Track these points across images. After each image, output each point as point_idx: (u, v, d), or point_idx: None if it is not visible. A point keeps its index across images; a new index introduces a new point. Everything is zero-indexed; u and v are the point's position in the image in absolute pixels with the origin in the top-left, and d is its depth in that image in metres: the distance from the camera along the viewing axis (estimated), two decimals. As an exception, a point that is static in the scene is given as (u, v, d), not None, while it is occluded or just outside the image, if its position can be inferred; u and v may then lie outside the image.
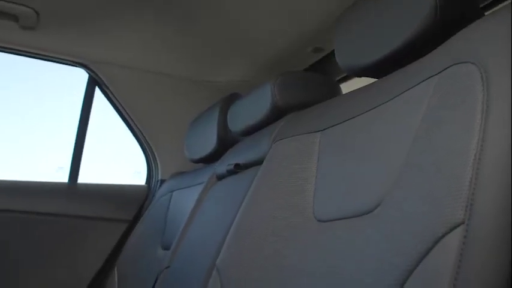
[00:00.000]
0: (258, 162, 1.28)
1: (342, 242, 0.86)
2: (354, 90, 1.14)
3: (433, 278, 0.62)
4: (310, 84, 1.39)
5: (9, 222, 2.02)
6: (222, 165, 1.53)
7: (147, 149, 2.29)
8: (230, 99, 1.71)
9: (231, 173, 1.46)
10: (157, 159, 2.29)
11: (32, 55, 2.04)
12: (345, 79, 1.91)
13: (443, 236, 0.64)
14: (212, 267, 1.16)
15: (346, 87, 1.86)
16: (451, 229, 0.63)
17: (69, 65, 2.13)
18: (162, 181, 2.23)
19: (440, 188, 0.68)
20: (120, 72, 2.16)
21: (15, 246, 2.00)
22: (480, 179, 0.63)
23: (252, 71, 2.15)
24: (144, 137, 2.26)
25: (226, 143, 1.68)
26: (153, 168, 2.31)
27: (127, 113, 2.21)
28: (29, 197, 2.09)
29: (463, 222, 0.62)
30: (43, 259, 2.03)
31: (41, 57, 2.06)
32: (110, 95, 2.18)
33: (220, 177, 1.53)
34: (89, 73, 2.16)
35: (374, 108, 0.95)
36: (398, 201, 0.76)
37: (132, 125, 2.24)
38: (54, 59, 2.09)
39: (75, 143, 2.20)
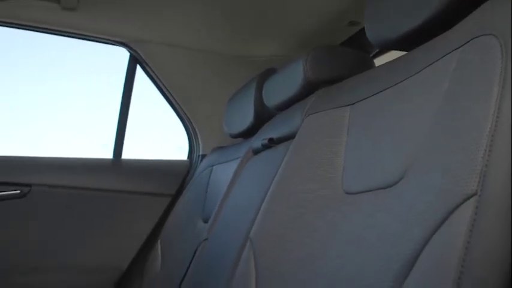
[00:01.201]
0: (291, 137, 1.31)
1: (367, 213, 0.88)
2: (382, 64, 1.14)
3: (446, 248, 0.64)
4: (343, 59, 1.40)
5: (58, 197, 2.10)
6: (258, 140, 1.55)
7: (188, 125, 2.34)
8: (266, 75, 1.73)
9: (265, 147, 1.49)
10: (198, 134, 2.33)
11: (74, 35, 2.10)
12: (380, 53, 1.90)
13: (457, 207, 0.65)
14: (246, 239, 1.20)
15: (382, 62, 1.85)
16: (464, 200, 0.64)
17: (111, 44, 2.18)
18: (203, 156, 2.27)
19: (456, 160, 0.69)
20: (160, 49, 2.20)
21: (63, 221, 2.09)
22: (494, 151, 0.64)
23: (290, 46, 2.16)
24: (184, 113, 2.30)
25: (262, 117, 1.70)
26: (194, 143, 2.36)
27: (168, 90, 2.26)
28: (76, 173, 2.17)
29: (475, 193, 0.63)
30: (89, 233, 2.12)
31: (82, 37, 2.11)
32: (151, 72, 2.22)
33: (256, 152, 1.56)
34: (130, 52, 2.21)
35: (400, 82, 0.96)
36: (419, 173, 0.77)
37: (173, 101, 2.29)
38: (95, 39, 2.14)
39: (119, 121, 2.26)
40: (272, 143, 1.45)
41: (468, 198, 0.64)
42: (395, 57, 1.11)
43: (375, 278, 0.76)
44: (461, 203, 0.65)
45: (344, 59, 1.40)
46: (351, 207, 0.94)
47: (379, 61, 1.73)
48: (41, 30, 2.05)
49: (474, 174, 0.65)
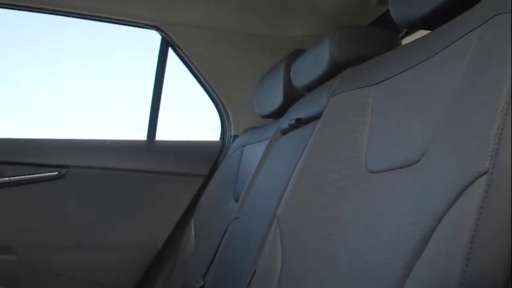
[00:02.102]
0: (318, 117, 1.32)
1: (388, 191, 0.89)
2: (406, 44, 1.15)
3: (458, 225, 0.65)
4: (369, 39, 1.40)
5: (94, 178, 2.16)
6: (285, 121, 1.57)
7: (220, 106, 2.37)
8: (294, 55, 1.74)
9: (293, 127, 1.50)
10: (230, 115, 2.36)
11: (106, 20, 2.14)
12: (409, 33, 1.88)
13: (469, 185, 0.66)
14: (273, 218, 1.22)
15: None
16: (476, 178, 0.65)
17: (143, 27, 2.21)
18: (235, 136, 2.30)
19: (470, 139, 0.70)
20: (191, 32, 2.23)
21: (99, 201, 2.15)
22: (506, 129, 0.65)
23: (319, 26, 2.16)
24: (216, 94, 2.33)
25: (291, 98, 1.72)
26: (226, 124, 2.39)
27: (199, 71, 2.29)
28: (111, 155, 2.22)
29: (487, 172, 0.65)
30: (125, 213, 2.18)
31: (115, 21, 2.16)
32: (183, 55, 2.26)
33: (284, 132, 1.58)
34: (161, 35, 2.24)
35: (421, 62, 0.97)
36: (436, 152, 0.79)
37: (205, 83, 2.31)
38: (127, 23, 2.18)
39: (152, 103, 2.30)
40: (299, 123, 1.47)
41: (480, 176, 0.65)
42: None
43: (392, 254, 0.78)
44: (473, 181, 0.66)
45: (370, 39, 1.40)
46: (373, 186, 0.95)
47: (408, 41, 1.72)
48: (73, 15, 2.09)
49: (486, 152, 0.66)
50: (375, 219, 0.89)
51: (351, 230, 0.94)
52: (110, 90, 2.80)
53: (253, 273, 1.22)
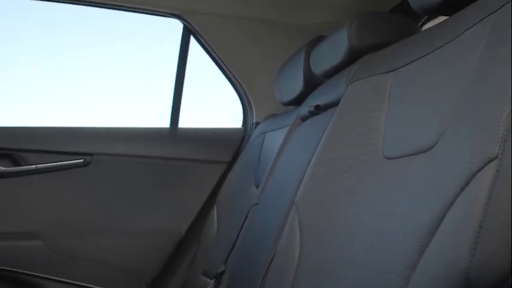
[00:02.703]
0: (336, 103, 1.33)
1: (403, 177, 0.90)
2: (424, 30, 1.15)
3: (467, 212, 0.66)
4: (388, 25, 1.40)
5: (118, 165, 2.20)
6: (305, 107, 1.58)
7: (242, 93, 2.38)
8: (314, 42, 1.74)
9: (312, 114, 1.51)
10: (252, 102, 2.37)
11: (129, 9, 2.17)
12: (429, 20, 1.87)
13: (479, 170, 0.67)
14: (292, 205, 1.24)
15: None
16: (485, 164, 0.66)
17: (165, 16, 2.23)
18: (257, 124, 2.31)
19: (482, 124, 0.71)
20: (212, 20, 2.24)
21: (123, 188, 2.19)
22: None
23: (340, 12, 2.15)
24: (238, 82, 2.34)
25: (311, 85, 1.72)
26: (248, 111, 2.40)
27: (221, 59, 2.30)
28: (134, 142, 2.26)
29: (496, 157, 0.65)
30: (149, 200, 2.21)
31: (137, 10, 2.18)
32: (204, 43, 2.27)
33: (304, 119, 1.59)
34: (183, 23, 2.26)
35: (438, 48, 0.97)
36: (450, 138, 0.79)
37: (227, 71, 2.33)
38: (150, 12, 2.21)
39: (174, 91, 2.32)
40: (318, 109, 1.48)
41: (489, 162, 0.66)
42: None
43: (404, 240, 0.79)
44: (483, 167, 0.66)
45: (389, 26, 1.40)
46: (389, 172, 0.96)
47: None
48: (96, 4, 2.12)
49: (496, 137, 0.66)
50: (389, 205, 0.90)
51: (367, 216, 0.96)
52: (134, 79, 2.83)
53: (272, 258, 1.24)
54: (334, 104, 1.37)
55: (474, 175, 0.68)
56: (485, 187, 0.65)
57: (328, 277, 0.98)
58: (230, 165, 2.26)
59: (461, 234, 0.65)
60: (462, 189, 0.69)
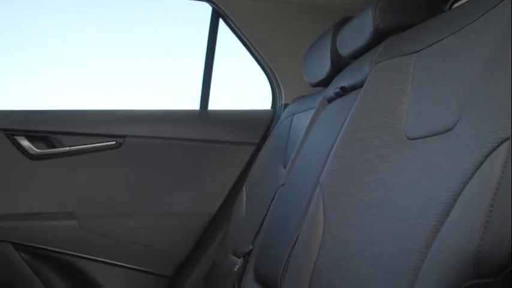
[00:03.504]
0: (361, 85, 1.33)
1: (424, 158, 0.91)
2: (449, 11, 1.15)
3: (479, 191, 0.67)
4: (413, 6, 1.39)
5: (149, 147, 2.24)
6: (331, 89, 1.59)
7: (271, 75, 2.39)
8: (341, 24, 1.74)
9: (338, 95, 1.52)
10: (281, 84, 2.38)
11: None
12: (457, 1, 1.85)
13: (492, 150, 0.68)
14: (317, 184, 1.25)
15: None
16: (499, 144, 0.67)
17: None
18: (286, 105, 2.33)
19: (496, 105, 0.71)
20: (241, 2, 2.25)
21: (154, 169, 2.23)
22: None
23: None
24: (267, 64, 2.36)
25: (338, 66, 1.73)
26: (277, 93, 2.41)
27: (250, 42, 2.31)
28: (165, 125, 2.30)
29: (509, 138, 0.66)
30: (179, 181, 2.25)
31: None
32: (233, 25, 2.28)
33: (330, 100, 1.60)
34: (212, 6, 2.28)
35: (460, 29, 0.97)
36: (468, 120, 0.80)
37: (256, 53, 2.34)
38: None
39: (204, 73, 2.36)
40: (344, 91, 1.49)
41: (502, 142, 0.67)
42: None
43: (422, 218, 0.81)
44: (496, 147, 0.67)
45: (414, 6, 1.39)
46: (411, 153, 0.97)
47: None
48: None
49: (508, 120, 0.67)
50: (410, 185, 0.91)
51: (388, 195, 0.97)
52: (166, 63, 2.87)
53: (297, 238, 1.26)
54: (359, 86, 1.38)
55: (487, 156, 0.69)
56: (497, 167, 0.66)
57: (351, 256, 1.00)
58: (259, 146, 2.29)
59: (473, 213, 0.66)
60: (476, 170, 0.70)
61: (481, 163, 0.70)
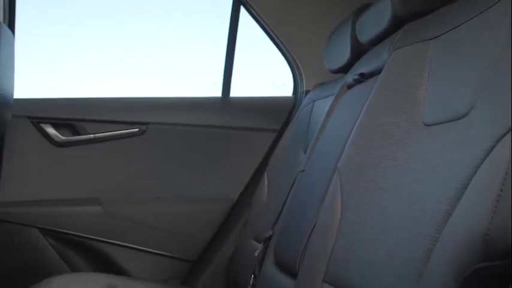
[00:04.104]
0: (379, 71, 1.34)
1: (440, 144, 0.92)
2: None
3: (488, 177, 0.68)
4: None
5: (172, 134, 2.28)
6: (350, 75, 1.60)
7: (292, 62, 2.40)
8: (361, 10, 1.74)
9: (357, 82, 1.53)
10: (302, 71, 2.39)
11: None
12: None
13: (503, 136, 0.69)
14: (335, 170, 1.27)
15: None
16: (509, 130, 0.68)
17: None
18: (307, 92, 2.33)
19: (506, 91, 0.72)
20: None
21: (177, 156, 2.28)
22: None
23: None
24: (288, 50, 2.36)
25: (358, 53, 1.73)
26: (298, 80, 2.42)
27: (271, 28, 2.32)
28: (188, 112, 2.33)
29: None
30: (201, 167, 2.29)
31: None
32: (254, 12, 2.30)
33: (349, 87, 1.61)
34: (234, -7, 2.29)
35: (476, 16, 0.97)
36: (481, 105, 0.81)
37: (277, 40, 2.35)
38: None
39: (226, 61, 2.37)
40: (363, 77, 1.49)
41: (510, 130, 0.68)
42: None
43: (436, 203, 0.82)
44: (506, 133, 0.68)
45: None
46: (428, 139, 0.98)
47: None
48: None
49: None
50: (427, 170, 0.92)
51: (405, 181, 0.98)
52: (189, 50, 2.89)
53: (315, 224, 1.28)
54: (377, 72, 1.38)
55: (498, 141, 0.69)
56: (507, 152, 0.66)
57: (367, 241, 1.01)
58: (281, 133, 2.30)
59: (483, 197, 0.67)
60: (487, 155, 0.71)
61: (491, 149, 0.70)
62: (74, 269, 2.17)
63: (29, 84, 2.51)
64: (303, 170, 1.65)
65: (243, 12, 2.33)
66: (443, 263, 0.72)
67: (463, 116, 0.87)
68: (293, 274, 1.33)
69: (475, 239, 0.65)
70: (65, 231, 2.15)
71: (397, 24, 1.39)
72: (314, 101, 2.06)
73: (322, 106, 1.90)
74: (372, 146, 1.16)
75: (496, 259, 0.63)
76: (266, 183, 2.12)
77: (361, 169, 1.16)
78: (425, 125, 1.01)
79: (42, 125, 2.17)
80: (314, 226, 1.27)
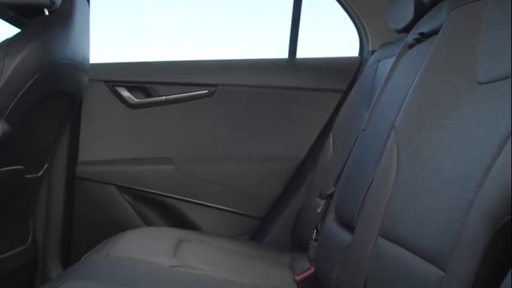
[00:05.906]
0: (438, 31, 1.35)
1: (492, 101, 0.94)
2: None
3: None
4: None
5: (240, 95, 2.35)
6: (412, 35, 1.60)
7: (358, 23, 2.40)
8: (426, -32, 1.73)
9: (417, 41, 1.53)
10: (368, 31, 2.39)
11: None
12: None
13: None
14: (392, 128, 1.30)
15: None
16: None
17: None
18: (373, 52, 2.33)
19: None
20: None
21: (245, 116, 2.35)
22: None
23: None
24: (354, 11, 2.36)
25: (420, 12, 1.72)
26: (364, 40, 2.42)
27: None
28: (255, 73, 2.39)
29: None
30: (269, 127, 2.34)
31: None
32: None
33: (410, 46, 1.61)
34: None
35: None
36: None
37: (343, 1, 2.35)
38: None
39: (292, 22, 2.40)
40: (423, 37, 1.49)
41: None
42: None
43: (481, 159, 0.85)
44: None
45: None
46: (481, 97, 1.00)
47: None
48: None
49: None
50: (477, 128, 0.95)
51: (458, 138, 1.00)
52: (256, 13, 2.93)
53: (372, 181, 1.32)
54: (436, 31, 1.38)
55: None
56: None
57: (420, 196, 1.05)
58: (346, 93, 2.32)
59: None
60: None
61: None
62: (148, 223, 2.30)
63: (104, 50, 2.62)
64: (364, 129, 1.68)
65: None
66: (479, 216, 0.76)
67: None
68: (351, 229, 1.37)
69: (507, 193, 0.69)
70: (139, 188, 2.28)
71: None
72: (379, 61, 2.06)
73: (387, 66, 1.90)
74: (427, 104, 1.18)
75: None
76: (331, 142, 2.16)
77: (416, 127, 1.18)
78: (479, 83, 1.03)
79: (117, 88, 2.28)
80: (371, 183, 1.31)
